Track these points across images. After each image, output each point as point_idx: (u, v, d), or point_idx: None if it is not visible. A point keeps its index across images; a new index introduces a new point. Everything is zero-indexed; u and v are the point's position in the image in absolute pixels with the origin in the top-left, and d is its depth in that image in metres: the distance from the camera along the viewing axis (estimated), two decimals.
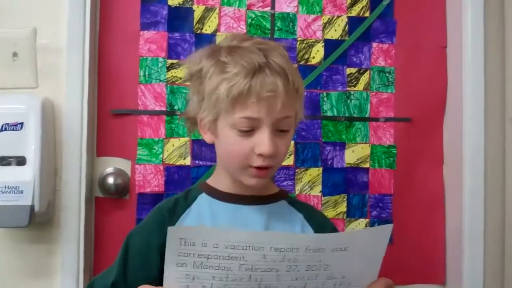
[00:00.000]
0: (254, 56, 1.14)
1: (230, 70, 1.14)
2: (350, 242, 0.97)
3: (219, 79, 1.15)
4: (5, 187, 1.51)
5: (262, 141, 1.13)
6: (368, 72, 1.91)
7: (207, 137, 1.25)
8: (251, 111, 1.13)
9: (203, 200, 1.26)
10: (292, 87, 1.16)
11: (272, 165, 1.18)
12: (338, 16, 1.90)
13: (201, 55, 1.23)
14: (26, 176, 1.53)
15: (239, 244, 0.93)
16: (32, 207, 1.52)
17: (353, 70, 1.90)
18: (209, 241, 0.92)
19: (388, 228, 1.00)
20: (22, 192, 1.52)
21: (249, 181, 1.19)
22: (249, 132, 1.15)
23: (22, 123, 1.55)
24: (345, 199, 1.88)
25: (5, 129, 1.54)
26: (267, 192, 1.29)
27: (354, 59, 1.91)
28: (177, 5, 1.84)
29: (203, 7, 1.84)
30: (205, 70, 1.19)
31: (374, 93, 1.91)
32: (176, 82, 1.82)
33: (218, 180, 1.28)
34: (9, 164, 1.54)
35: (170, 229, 0.92)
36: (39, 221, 1.61)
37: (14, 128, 1.55)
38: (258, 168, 1.16)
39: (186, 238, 0.92)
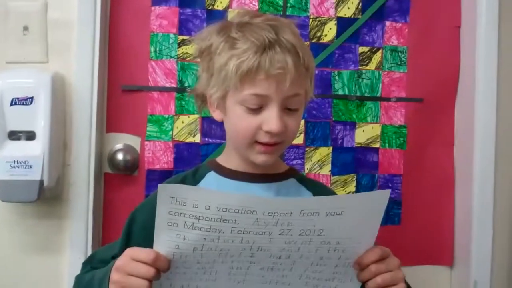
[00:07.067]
0: (264, 33, 1.12)
1: (240, 46, 1.13)
2: (346, 205, 0.96)
3: (228, 55, 1.13)
4: (15, 161, 1.52)
5: (270, 118, 1.12)
6: (380, 51, 1.89)
7: (216, 115, 1.24)
8: (259, 88, 1.12)
9: (211, 178, 1.26)
10: (302, 65, 1.14)
11: (280, 142, 1.17)
12: None
13: (211, 31, 1.21)
14: (36, 150, 1.54)
15: (231, 207, 0.92)
16: (41, 182, 1.53)
17: (365, 49, 1.88)
18: (200, 202, 0.91)
19: (385, 193, 0.99)
20: (31, 167, 1.52)
21: (257, 159, 1.18)
22: (257, 109, 1.14)
23: (32, 98, 1.55)
24: (354, 179, 1.88)
25: (15, 104, 1.54)
26: (276, 170, 1.28)
27: (367, 37, 1.89)
28: None
29: None
30: (214, 46, 1.18)
31: (386, 72, 1.89)
32: (187, 59, 1.80)
33: (227, 158, 1.27)
34: (18, 138, 1.55)
35: (160, 186, 0.91)
36: (48, 196, 1.62)
37: (24, 103, 1.55)
38: (265, 144, 1.15)
39: (177, 197, 0.91)
